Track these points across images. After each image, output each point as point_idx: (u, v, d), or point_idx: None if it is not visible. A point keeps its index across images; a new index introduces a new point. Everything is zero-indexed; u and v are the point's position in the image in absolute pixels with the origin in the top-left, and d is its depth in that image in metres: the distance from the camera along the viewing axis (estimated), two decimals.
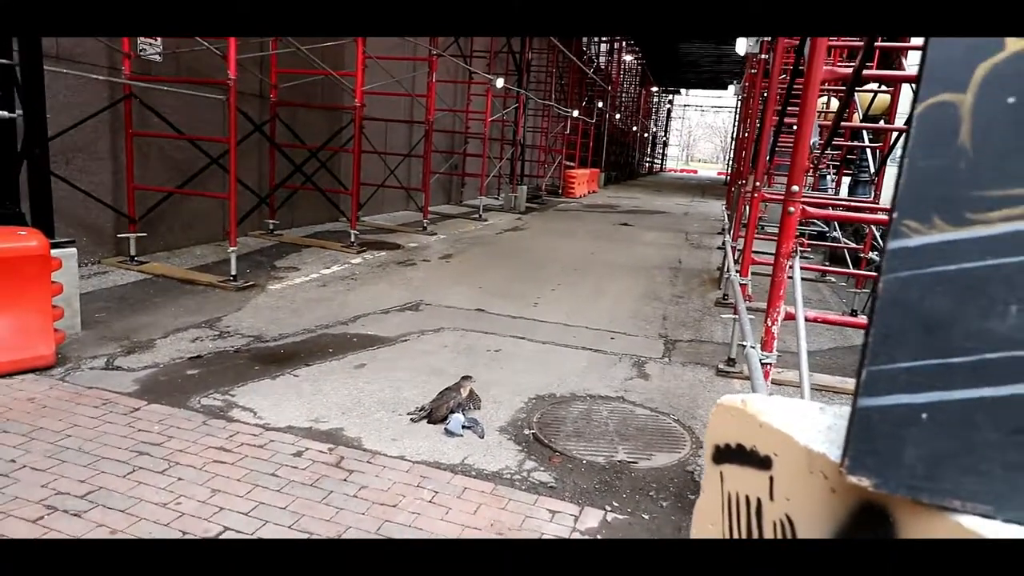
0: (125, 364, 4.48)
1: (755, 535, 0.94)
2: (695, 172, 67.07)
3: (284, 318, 5.88)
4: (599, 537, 2.93)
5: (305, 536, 2.75)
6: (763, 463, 0.92)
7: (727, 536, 1.00)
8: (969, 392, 0.69)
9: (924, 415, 0.71)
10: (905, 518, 0.74)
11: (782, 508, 0.88)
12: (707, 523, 1.04)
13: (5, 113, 4.70)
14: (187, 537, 2.69)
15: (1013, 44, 0.65)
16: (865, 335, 0.73)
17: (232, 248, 6.94)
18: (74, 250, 4.91)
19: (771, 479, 0.91)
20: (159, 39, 7.48)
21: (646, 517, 3.13)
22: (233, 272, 6.89)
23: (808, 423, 0.90)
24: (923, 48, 0.72)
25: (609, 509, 3.16)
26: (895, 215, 0.71)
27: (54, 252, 4.35)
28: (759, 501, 0.93)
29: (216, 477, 3.13)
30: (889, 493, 0.73)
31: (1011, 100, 0.66)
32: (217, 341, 5.11)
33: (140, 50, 7.26)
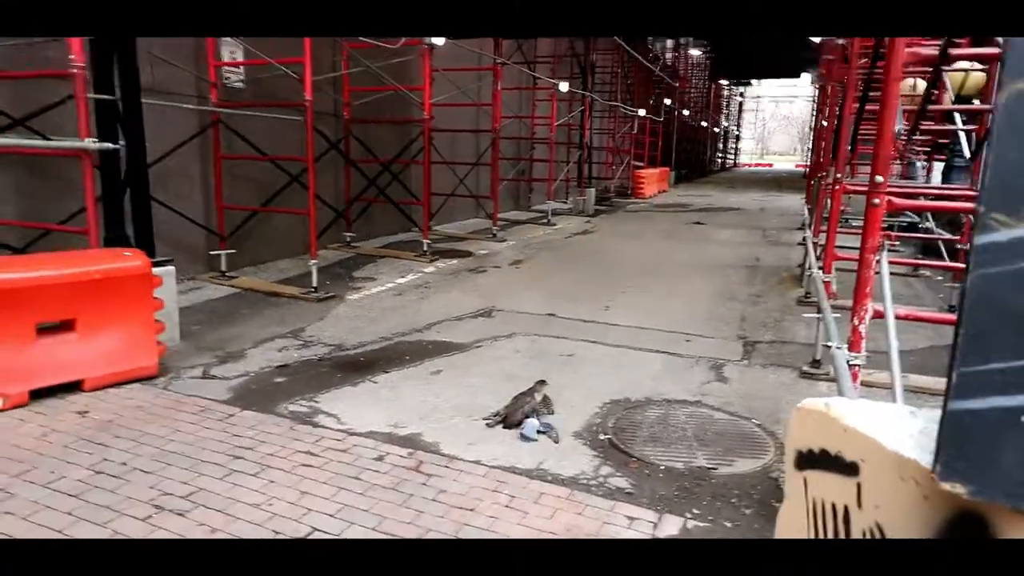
0: (220, 373, 4.76)
1: None
2: (771, 166, 64.64)
3: (363, 327, 6.08)
4: None
5: (389, 537, 2.84)
6: (850, 469, 0.89)
7: None
8: None
9: (1023, 418, 0.67)
10: (1005, 527, 0.70)
11: (872, 516, 0.85)
12: (791, 532, 1.01)
13: (110, 144, 5.10)
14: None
15: None
16: (954, 335, 0.69)
17: (313, 261, 7.26)
18: (173, 268, 5.26)
19: (859, 486, 0.87)
20: (242, 68, 7.93)
21: (728, 524, 3.04)
22: (314, 284, 7.20)
23: (897, 427, 0.86)
24: None
25: (689, 516, 3.09)
26: (982, 208, 0.67)
27: (155, 270, 4.67)
28: (846, 509, 0.90)
29: (304, 480, 3.26)
30: (986, 501, 0.69)
31: None
32: (302, 350, 5.34)
33: (224, 79, 7.74)
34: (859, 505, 0.87)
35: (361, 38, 9.03)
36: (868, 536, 0.84)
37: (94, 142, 4.93)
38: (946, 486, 0.71)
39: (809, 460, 0.95)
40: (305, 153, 7.16)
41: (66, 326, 4.21)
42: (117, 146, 5.16)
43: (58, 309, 4.17)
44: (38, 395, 4.09)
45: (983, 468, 0.69)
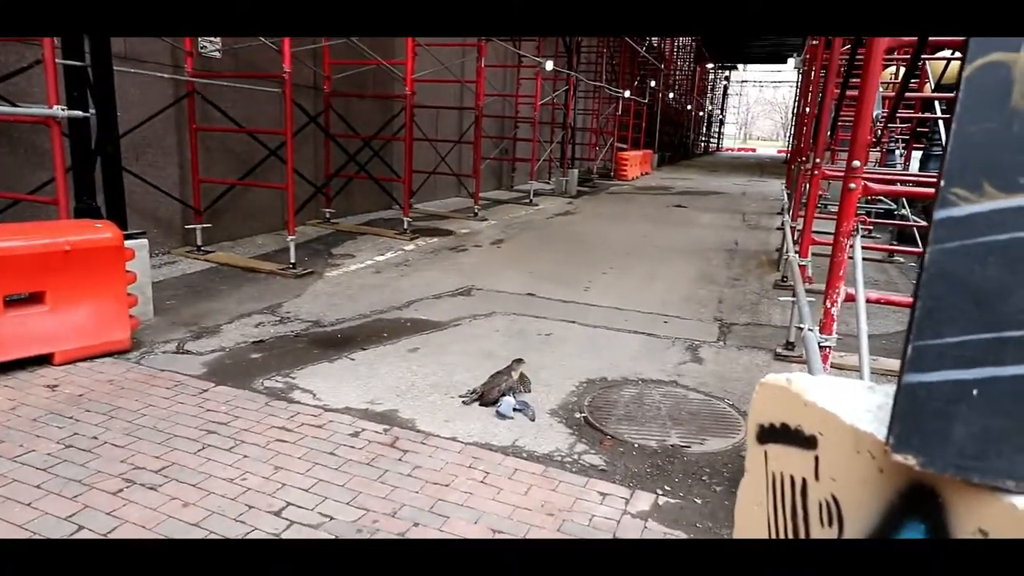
0: (194, 348, 4.70)
1: (800, 515, 0.92)
2: (753, 151, 64.99)
3: (341, 304, 6.04)
4: (651, 522, 2.91)
5: (363, 512, 2.84)
6: (808, 443, 0.90)
7: (772, 516, 0.98)
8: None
9: (974, 391, 0.68)
10: (954, 499, 0.72)
11: (828, 488, 0.87)
12: (751, 504, 1.03)
13: (80, 113, 4.96)
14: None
15: None
16: (912, 309, 0.70)
17: (291, 237, 7.17)
18: (145, 241, 5.17)
19: (816, 459, 0.89)
20: (220, 40, 7.74)
21: (698, 501, 3.09)
22: (292, 260, 7.13)
23: (856, 402, 0.87)
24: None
25: (660, 493, 3.14)
26: (942, 183, 0.67)
27: (127, 243, 4.59)
28: (804, 481, 0.91)
29: (279, 455, 3.26)
30: (937, 473, 0.70)
31: None
32: (278, 326, 5.30)
33: (201, 48, 7.54)
34: (816, 478, 0.88)
35: None
36: (823, 508, 0.86)
37: (63, 109, 4.79)
38: (899, 458, 0.72)
39: (770, 434, 0.97)
40: (283, 126, 7.03)
41: (35, 298, 4.14)
42: (87, 114, 5.03)
43: (26, 281, 4.08)
44: (6, 368, 4.02)
45: (935, 440, 0.70)
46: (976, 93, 0.66)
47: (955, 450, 0.70)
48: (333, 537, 2.67)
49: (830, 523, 0.85)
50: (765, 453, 1.01)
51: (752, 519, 1.01)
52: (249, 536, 2.64)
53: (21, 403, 3.67)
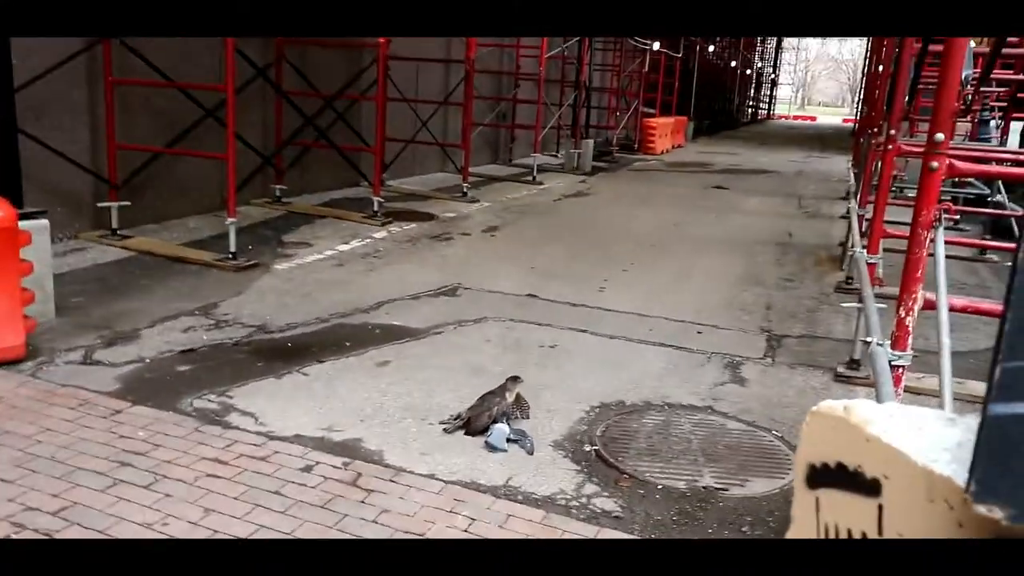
0: (106, 358, 4.72)
1: None
2: (814, 119, 65.37)
3: (293, 304, 6.07)
4: None
5: None
6: (871, 488, 0.90)
7: None
8: None
9: None
10: None
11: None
12: None
13: None
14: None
15: None
16: (1000, 323, 0.69)
17: (231, 219, 7.19)
18: (46, 222, 5.17)
19: (880, 508, 0.89)
20: None
21: None
22: (232, 249, 7.15)
23: (932, 437, 0.87)
24: None
25: None
26: None
27: (23, 224, 4.59)
28: (864, 536, 0.92)
29: (209, 494, 3.27)
30: None
31: None
32: (213, 331, 5.32)
33: None
34: (879, 531, 0.88)
35: None
36: None
37: None
38: (981, 508, 0.72)
39: (823, 476, 0.97)
40: (224, 81, 7.04)
41: None
42: None
43: None
44: None
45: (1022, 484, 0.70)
46: None
47: None
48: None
49: None
50: (817, 500, 1.01)
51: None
52: None
53: None
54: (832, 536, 1.00)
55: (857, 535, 0.93)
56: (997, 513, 0.71)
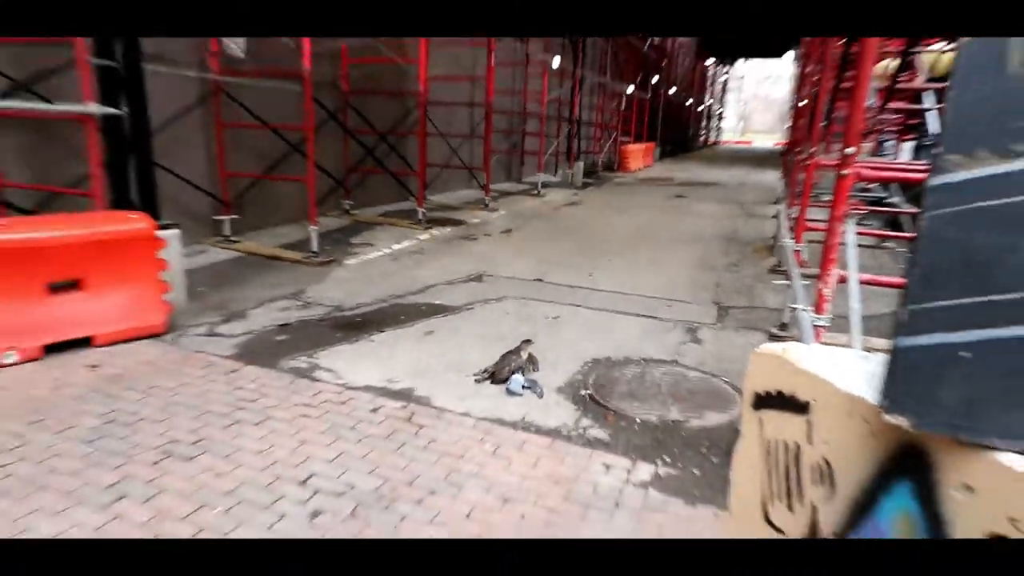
0: (224, 331, 4.74)
1: (793, 477, 0.91)
2: (751, 143, 64.11)
3: (360, 289, 6.06)
4: (652, 490, 2.92)
5: (383, 481, 2.87)
6: (802, 408, 0.89)
7: (765, 478, 0.97)
8: (1015, 330, 0.64)
9: (965, 354, 0.67)
10: (942, 458, 0.71)
11: (820, 451, 0.86)
12: (747, 468, 1.02)
13: (113, 110, 4.97)
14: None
15: None
16: (907, 274, 0.68)
17: (313, 227, 7.19)
18: (177, 231, 5.18)
19: (809, 423, 0.88)
20: (244, 41, 7.71)
21: (696, 472, 3.10)
22: (314, 249, 7.15)
23: (849, 369, 0.86)
24: None
25: (661, 464, 3.15)
26: (939, 150, 0.65)
27: (160, 233, 4.62)
28: (798, 446, 0.91)
29: (304, 430, 3.28)
30: (928, 433, 0.69)
31: None
32: (302, 311, 5.33)
33: (225, 48, 7.52)
34: (809, 441, 0.88)
35: None
36: (816, 471, 0.85)
37: (97, 107, 4.80)
38: (891, 419, 0.71)
39: (765, 401, 0.96)
40: (304, 122, 7.02)
41: (76, 284, 4.19)
42: (120, 111, 5.03)
43: (68, 268, 4.13)
44: (52, 350, 4.07)
45: (927, 402, 0.69)
46: (972, 61, 0.64)
47: (946, 411, 0.69)
48: (353, 505, 2.69)
49: (822, 482, 0.84)
50: (760, 419, 1.00)
51: (747, 481, 1.00)
52: (277, 504, 2.68)
53: (65, 382, 3.73)
54: (773, 445, 0.99)
55: (792, 445, 0.93)
56: (904, 422, 0.71)
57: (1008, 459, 0.66)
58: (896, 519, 0.75)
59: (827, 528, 0.83)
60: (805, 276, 4.57)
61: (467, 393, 3.84)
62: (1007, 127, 0.63)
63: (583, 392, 3.92)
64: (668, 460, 3.19)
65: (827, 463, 0.85)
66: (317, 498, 2.73)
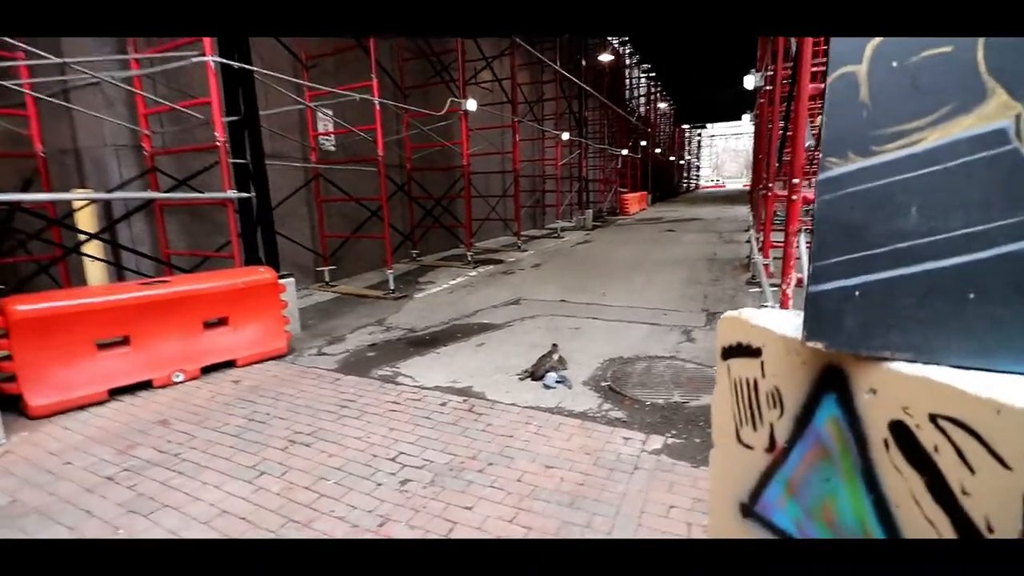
0: (328, 351, 4.87)
1: (754, 404, 0.96)
2: (723, 186, 63.08)
3: (427, 316, 6.16)
4: (663, 456, 2.88)
5: (452, 456, 2.91)
6: (756, 352, 0.94)
7: (736, 409, 1.02)
8: (888, 273, 0.70)
9: (856, 293, 0.72)
10: (853, 371, 0.75)
11: (771, 382, 0.90)
12: (721, 404, 1.07)
13: (245, 194, 5.32)
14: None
15: None
16: (810, 243, 0.75)
17: (389, 271, 7.39)
18: (293, 280, 5.43)
19: (762, 363, 0.92)
20: (333, 135, 8.14)
21: (698, 440, 3.06)
22: (391, 288, 7.33)
23: (786, 322, 0.91)
24: (828, 39, 0.74)
25: (669, 435, 3.11)
26: (821, 155, 0.73)
27: (281, 281, 4.83)
28: (755, 380, 0.95)
29: (392, 420, 3.36)
30: (837, 351, 0.74)
31: (894, 64, 0.67)
32: (385, 334, 5.44)
33: (320, 144, 7.97)
34: (763, 375, 0.92)
35: (413, 108, 9.19)
36: (770, 396, 0.90)
37: (234, 193, 5.14)
38: (811, 344, 0.76)
39: (730, 351, 1.01)
40: (380, 194, 7.30)
41: (223, 321, 4.40)
42: (250, 195, 5.37)
43: (217, 309, 4.35)
44: (206, 370, 4.27)
45: (833, 329, 0.74)
46: (837, 93, 0.71)
47: (847, 334, 0.73)
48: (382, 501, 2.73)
49: (774, 405, 0.88)
50: (728, 367, 1.04)
51: (722, 414, 1.04)
52: (375, 475, 2.73)
53: (217, 393, 3.91)
54: (738, 383, 1.02)
55: (751, 380, 0.97)
56: (820, 345, 0.76)
57: (897, 366, 0.69)
58: (828, 423, 0.78)
59: (780, 439, 0.87)
60: (773, 284, 4.49)
61: (512, 388, 3.86)
62: (865, 135, 0.70)
63: (603, 384, 3.90)
64: (674, 432, 3.15)
65: (777, 390, 0.89)
66: (405, 470, 2.78)
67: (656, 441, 3.04)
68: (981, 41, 0.61)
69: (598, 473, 2.71)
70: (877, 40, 0.66)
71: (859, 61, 0.70)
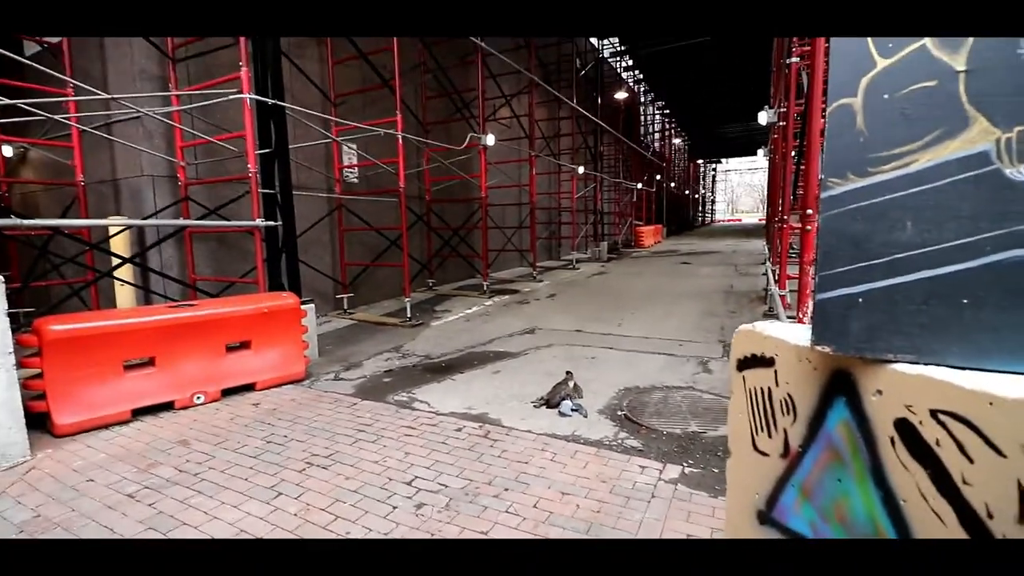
0: (346, 376, 4.92)
1: (768, 412, 0.98)
2: (739, 220, 63.05)
3: (443, 343, 6.19)
4: (680, 485, 2.84)
5: (468, 481, 2.90)
6: (769, 362, 0.97)
7: (751, 417, 1.04)
8: (888, 281, 0.74)
9: (860, 300, 0.76)
10: (859, 374, 0.78)
11: (784, 389, 0.93)
12: (737, 413, 1.09)
13: (272, 223, 5.53)
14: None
15: (881, 62, 0.74)
16: (816, 254, 0.80)
17: (407, 299, 7.48)
18: (313, 306, 5.54)
19: (775, 372, 0.96)
20: (356, 168, 8.46)
21: (715, 470, 3.01)
22: (408, 315, 7.40)
23: (798, 333, 0.95)
24: (827, 73, 0.82)
25: (686, 465, 3.07)
26: (823, 177, 0.79)
27: (302, 307, 4.93)
28: (769, 389, 0.98)
29: (407, 445, 3.36)
30: (845, 356, 0.78)
31: (885, 96, 0.74)
32: (401, 360, 5.48)
33: (344, 176, 8.27)
34: (776, 384, 0.95)
35: (435, 143, 9.52)
36: (783, 403, 0.93)
37: (262, 221, 5.35)
38: (819, 348, 0.80)
39: (745, 363, 1.04)
40: (400, 224, 7.47)
41: (245, 345, 4.49)
42: (276, 224, 5.57)
43: (240, 333, 4.45)
44: (227, 392, 4.34)
45: (840, 334, 0.78)
46: (836, 121, 0.78)
47: (852, 339, 0.77)
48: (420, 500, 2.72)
49: (788, 412, 0.91)
50: (743, 377, 1.07)
51: (739, 424, 1.06)
52: (391, 499, 2.73)
53: (237, 415, 3.97)
54: (753, 392, 1.05)
55: (765, 389, 1.00)
56: (827, 349, 0.79)
57: (900, 367, 0.73)
58: (838, 426, 0.81)
59: (794, 444, 0.89)
60: (790, 316, 4.46)
61: (528, 415, 3.84)
62: (862, 158, 0.76)
63: (619, 412, 3.87)
64: (691, 462, 3.10)
65: (790, 397, 0.92)
66: (420, 494, 2.77)
67: (673, 470, 3.00)
68: (962, 75, 0.68)
69: (614, 501, 2.68)
70: (870, 75, 0.74)
71: (854, 94, 0.77)
